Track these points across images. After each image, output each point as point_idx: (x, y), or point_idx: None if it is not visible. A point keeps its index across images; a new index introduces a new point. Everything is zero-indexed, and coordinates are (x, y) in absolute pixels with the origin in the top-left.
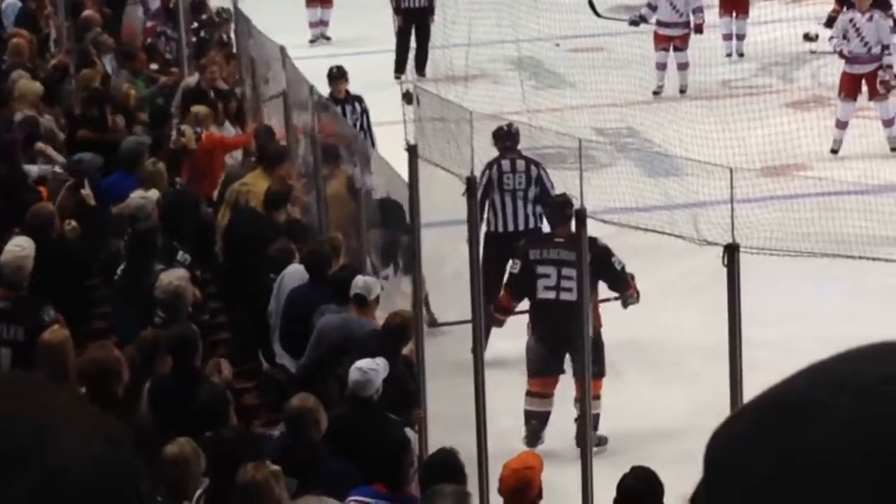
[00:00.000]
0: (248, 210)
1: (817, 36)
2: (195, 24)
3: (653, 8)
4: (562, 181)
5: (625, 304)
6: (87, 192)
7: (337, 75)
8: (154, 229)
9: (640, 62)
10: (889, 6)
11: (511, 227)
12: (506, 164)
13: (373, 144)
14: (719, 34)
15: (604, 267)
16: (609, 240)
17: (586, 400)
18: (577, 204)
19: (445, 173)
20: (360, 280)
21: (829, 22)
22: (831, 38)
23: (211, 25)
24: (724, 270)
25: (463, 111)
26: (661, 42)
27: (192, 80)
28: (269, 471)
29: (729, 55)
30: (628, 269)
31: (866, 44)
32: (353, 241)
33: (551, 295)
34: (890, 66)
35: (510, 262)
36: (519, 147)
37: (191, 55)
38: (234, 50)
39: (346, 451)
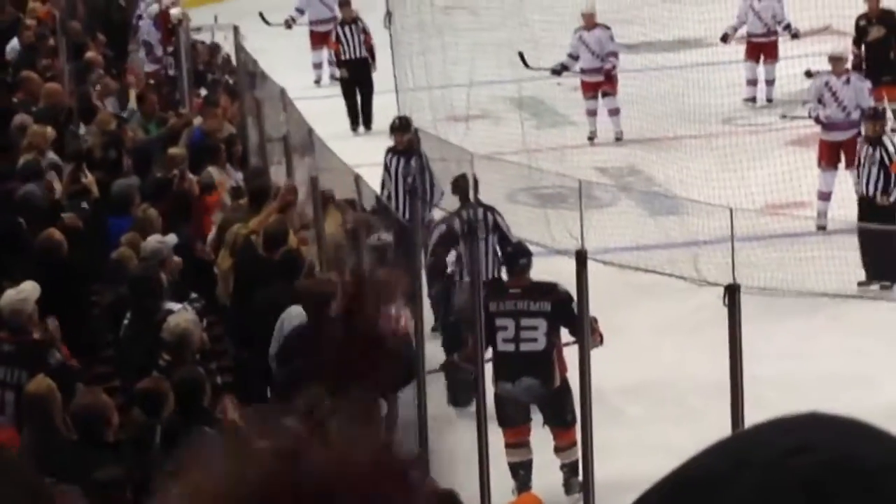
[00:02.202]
0: (250, 251)
1: (819, 73)
2: (201, 67)
3: (574, 57)
4: (563, 222)
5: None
6: (88, 179)
7: (398, 127)
8: (156, 271)
9: (642, 101)
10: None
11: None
12: (464, 214)
13: (434, 198)
14: (723, 71)
15: (566, 313)
16: (610, 280)
17: (588, 443)
18: (577, 244)
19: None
20: None
21: (854, 69)
22: (805, 102)
23: (216, 68)
24: (726, 309)
25: (463, 152)
26: (589, 90)
27: (198, 123)
28: None
29: (751, 100)
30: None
31: (844, 108)
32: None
33: (510, 347)
34: None
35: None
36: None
37: (193, 97)
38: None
39: None
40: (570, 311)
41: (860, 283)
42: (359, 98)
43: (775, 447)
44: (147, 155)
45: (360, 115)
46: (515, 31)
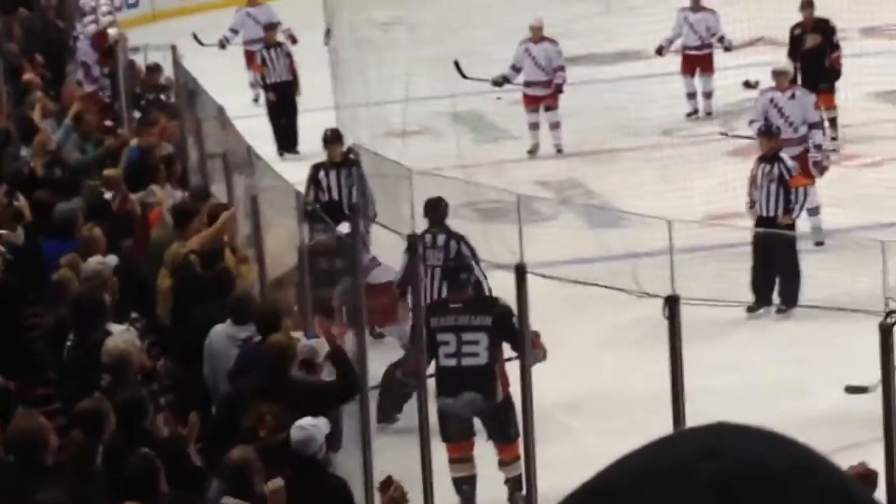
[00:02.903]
0: (188, 270)
1: (757, 83)
2: (137, 89)
3: (516, 69)
4: (502, 236)
5: (530, 364)
6: (20, 203)
7: (333, 138)
8: (100, 292)
9: (582, 114)
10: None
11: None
12: (427, 238)
13: (371, 211)
14: (661, 83)
15: (507, 327)
16: (550, 293)
17: (531, 458)
18: (517, 258)
19: (385, 231)
20: (305, 346)
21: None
22: (751, 121)
23: (154, 87)
24: (666, 321)
25: (401, 168)
26: (531, 103)
27: (135, 142)
28: None
29: (692, 114)
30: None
31: (791, 124)
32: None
33: (452, 362)
34: (819, 146)
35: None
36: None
37: (131, 117)
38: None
39: None
40: (510, 326)
41: (749, 308)
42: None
43: (685, 454)
44: (81, 176)
45: (285, 138)
46: (454, 45)
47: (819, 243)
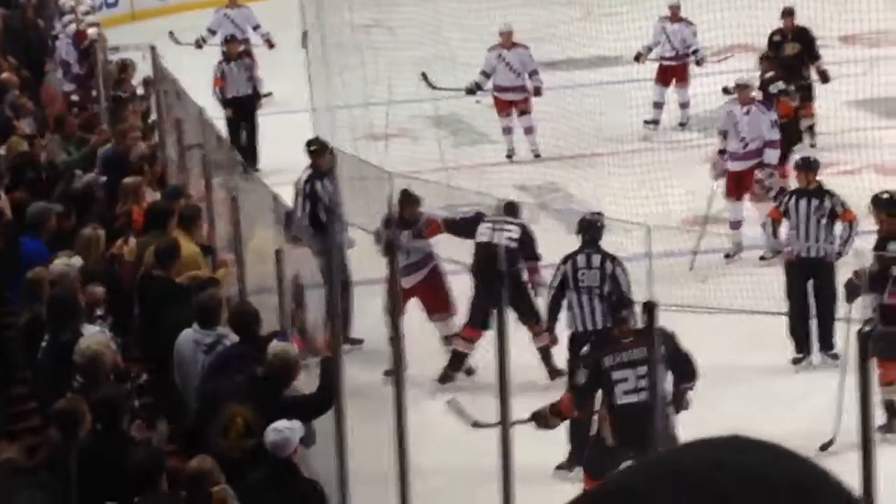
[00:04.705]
0: (148, 272)
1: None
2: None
3: (487, 75)
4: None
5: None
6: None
7: (319, 149)
8: (73, 293)
9: (560, 118)
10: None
11: (589, 326)
12: (581, 259)
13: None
14: (640, 89)
15: (677, 357)
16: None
17: None
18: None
19: (364, 234)
20: (276, 347)
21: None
22: (720, 131)
23: (126, 86)
24: None
25: (382, 171)
26: (504, 108)
27: (110, 146)
28: None
29: (652, 123)
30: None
31: (742, 139)
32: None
33: (634, 398)
34: (769, 165)
35: (577, 371)
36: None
37: (109, 119)
38: (155, 111)
39: None
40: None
41: (795, 361)
42: (244, 136)
43: (690, 464)
44: (62, 175)
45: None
46: (432, 49)
47: (727, 256)
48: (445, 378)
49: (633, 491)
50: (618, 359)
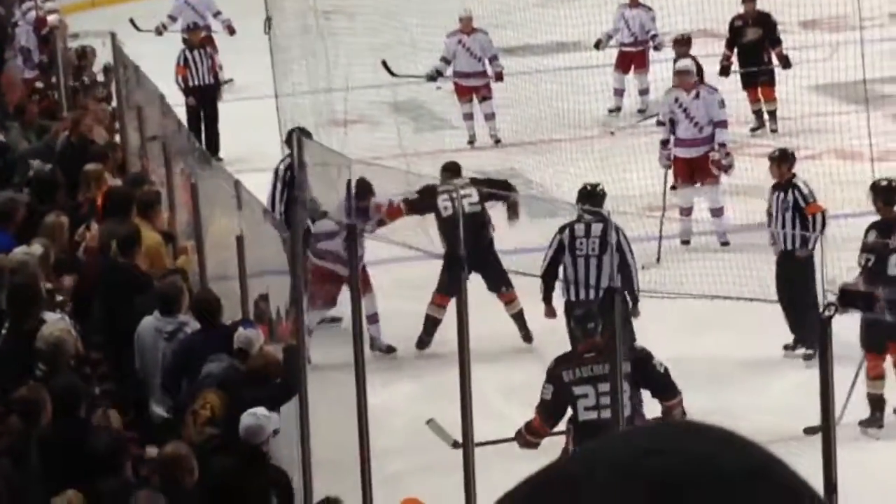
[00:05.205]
0: (111, 259)
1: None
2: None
3: (447, 61)
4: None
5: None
6: None
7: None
8: (35, 281)
9: (519, 104)
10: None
11: (582, 296)
12: (580, 227)
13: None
14: (599, 75)
15: (647, 372)
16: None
17: None
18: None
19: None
20: (241, 335)
21: (723, 71)
22: (659, 121)
23: (85, 73)
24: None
25: (342, 157)
26: (465, 94)
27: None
28: None
29: (615, 110)
30: None
31: (696, 124)
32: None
33: (593, 415)
34: (723, 144)
35: (543, 386)
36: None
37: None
38: (115, 97)
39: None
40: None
41: (786, 347)
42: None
43: (627, 450)
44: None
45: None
46: (392, 35)
47: (724, 244)
48: (422, 343)
49: (571, 478)
50: (578, 374)
